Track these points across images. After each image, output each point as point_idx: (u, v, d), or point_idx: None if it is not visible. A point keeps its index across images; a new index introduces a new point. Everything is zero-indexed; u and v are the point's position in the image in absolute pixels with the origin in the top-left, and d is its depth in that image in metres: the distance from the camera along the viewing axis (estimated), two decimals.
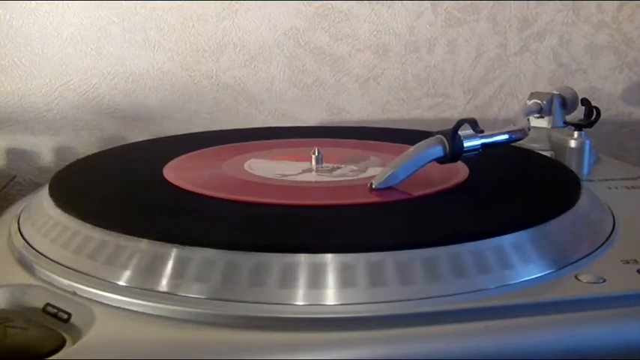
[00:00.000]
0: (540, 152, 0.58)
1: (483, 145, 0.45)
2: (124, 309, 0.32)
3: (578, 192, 0.44)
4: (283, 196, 0.44)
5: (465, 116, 0.57)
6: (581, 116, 0.59)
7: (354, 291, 0.32)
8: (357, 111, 0.78)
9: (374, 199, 0.43)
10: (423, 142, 0.45)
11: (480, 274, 0.34)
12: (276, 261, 0.33)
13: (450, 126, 0.44)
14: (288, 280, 0.32)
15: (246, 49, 0.75)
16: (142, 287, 0.33)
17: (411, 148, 0.45)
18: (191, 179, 0.46)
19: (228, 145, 0.59)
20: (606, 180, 0.54)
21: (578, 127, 0.58)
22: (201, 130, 0.68)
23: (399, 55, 0.77)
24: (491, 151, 0.46)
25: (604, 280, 0.34)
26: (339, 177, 0.48)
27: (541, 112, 0.61)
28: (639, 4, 0.79)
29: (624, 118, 0.83)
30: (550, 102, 0.62)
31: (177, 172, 0.49)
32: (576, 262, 0.37)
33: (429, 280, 0.33)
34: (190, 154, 0.55)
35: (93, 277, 0.34)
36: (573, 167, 0.55)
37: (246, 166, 0.51)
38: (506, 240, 0.36)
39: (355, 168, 0.50)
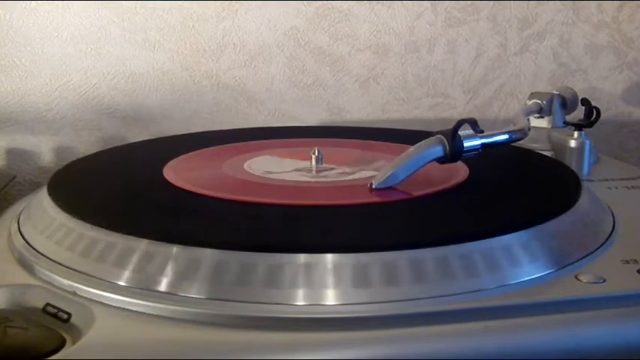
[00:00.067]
0: (540, 152, 0.58)
1: (483, 145, 0.45)
2: (124, 309, 0.32)
3: (578, 192, 0.44)
4: (283, 196, 0.44)
5: (465, 116, 0.57)
6: (581, 116, 0.59)
7: (354, 291, 0.32)
8: (357, 111, 0.78)
9: (374, 199, 0.43)
10: (423, 142, 0.45)
11: (479, 274, 0.34)
12: (275, 261, 0.33)
13: (450, 126, 0.44)
14: (288, 280, 0.32)
15: (246, 49, 0.75)
16: (142, 287, 0.33)
17: (411, 148, 0.45)
18: (191, 179, 0.46)
19: (228, 145, 0.59)
20: (606, 180, 0.54)
21: (578, 127, 0.58)
22: (201, 130, 0.68)
23: (399, 55, 0.77)
24: (491, 151, 0.46)
25: (604, 280, 0.34)
26: (340, 177, 0.48)
27: (541, 112, 0.61)
28: (639, 4, 0.79)
29: (624, 118, 0.83)
30: (550, 102, 0.62)
31: (177, 172, 0.49)
32: (576, 262, 0.37)
33: (429, 280, 0.33)
34: (190, 154, 0.55)
35: (93, 277, 0.34)
36: (573, 167, 0.55)
37: (246, 166, 0.51)
38: (506, 240, 0.36)
39: (357, 169, 0.50)
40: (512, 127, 0.49)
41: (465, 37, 0.78)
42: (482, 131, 0.45)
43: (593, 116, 0.58)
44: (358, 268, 0.33)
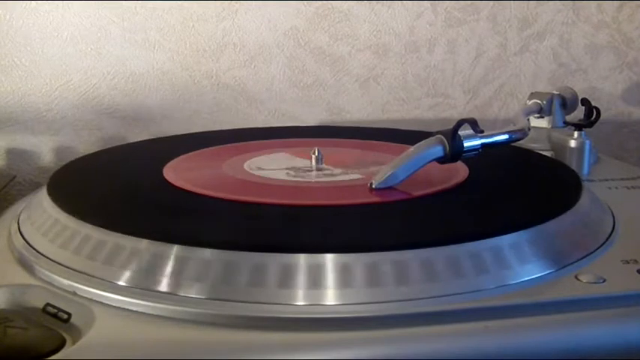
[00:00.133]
0: (540, 152, 0.58)
1: (483, 145, 0.45)
2: (124, 309, 0.32)
3: (578, 192, 0.44)
4: (283, 196, 0.44)
5: (465, 116, 0.57)
6: (581, 116, 0.59)
7: (353, 291, 0.32)
8: (357, 111, 0.78)
9: (374, 199, 0.43)
10: (423, 142, 0.45)
11: (480, 274, 0.34)
12: (275, 261, 0.33)
13: (450, 126, 0.44)
14: (287, 280, 0.32)
15: (246, 49, 0.75)
16: (142, 287, 0.33)
17: (411, 148, 0.45)
18: (191, 179, 0.46)
19: (228, 145, 0.59)
20: (606, 180, 0.54)
21: (578, 127, 0.58)
22: (201, 130, 0.68)
23: (399, 55, 0.77)
24: (491, 151, 0.46)
25: (604, 280, 0.34)
26: (340, 177, 0.48)
27: (541, 112, 0.61)
28: (639, 4, 0.79)
29: (624, 118, 0.83)
30: (550, 102, 0.62)
31: (177, 172, 0.49)
32: (576, 262, 0.37)
33: (429, 280, 0.33)
34: (190, 154, 0.55)
35: (93, 277, 0.34)
36: (573, 167, 0.55)
37: (245, 166, 0.51)
38: (507, 240, 0.36)
39: (357, 169, 0.50)
40: (512, 127, 0.49)
41: (465, 37, 0.78)
42: (482, 131, 0.45)
43: (593, 116, 0.58)
44: (358, 269, 0.33)
